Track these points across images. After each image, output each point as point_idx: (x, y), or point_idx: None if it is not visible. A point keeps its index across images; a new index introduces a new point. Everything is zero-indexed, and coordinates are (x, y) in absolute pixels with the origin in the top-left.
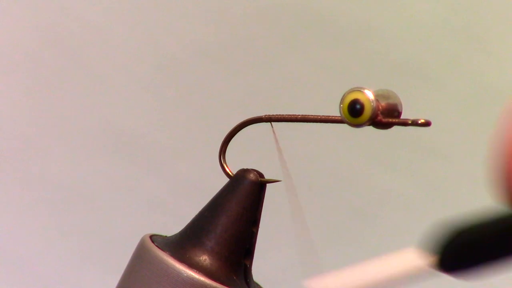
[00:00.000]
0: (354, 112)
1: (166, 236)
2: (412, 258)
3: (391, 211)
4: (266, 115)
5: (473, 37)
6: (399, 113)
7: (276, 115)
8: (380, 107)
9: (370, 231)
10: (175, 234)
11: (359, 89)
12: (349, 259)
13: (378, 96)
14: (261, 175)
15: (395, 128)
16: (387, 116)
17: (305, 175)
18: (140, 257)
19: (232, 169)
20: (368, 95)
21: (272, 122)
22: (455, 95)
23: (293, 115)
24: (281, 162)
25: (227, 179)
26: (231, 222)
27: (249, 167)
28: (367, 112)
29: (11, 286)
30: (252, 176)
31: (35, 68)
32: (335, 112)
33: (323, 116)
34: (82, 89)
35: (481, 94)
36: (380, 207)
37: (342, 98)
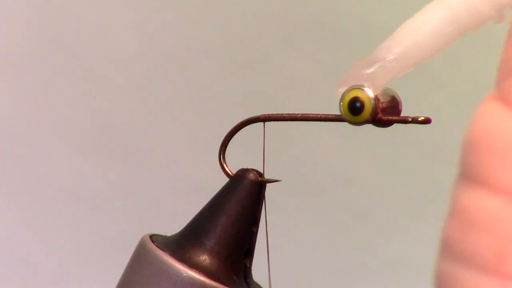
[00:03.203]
0: (354, 110)
1: (166, 236)
2: None
3: (391, 211)
4: (265, 114)
5: (473, 37)
6: (399, 111)
7: (276, 114)
8: (380, 105)
9: (370, 231)
10: (175, 234)
11: (359, 87)
12: (349, 259)
13: (378, 94)
14: (260, 174)
15: (395, 128)
16: (387, 114)
17: (305, 175)
18: (140, 257)
19: (232, 169)
20: (368, 93)
21: (264, 122)
22: (455, 95)
23: (292, 114)
24: (263, 163)
25: (227, 179)
26: (231, 222)
27: (249, 167)
28: (367, 110)
29: (11, 286)
30: (251, 175)
31: (35, 68)
32: (335, 111)
33: (323, 114)
34: (82, 89)
35: (482, 93)
36: (380, 207)
37: (342, 96)
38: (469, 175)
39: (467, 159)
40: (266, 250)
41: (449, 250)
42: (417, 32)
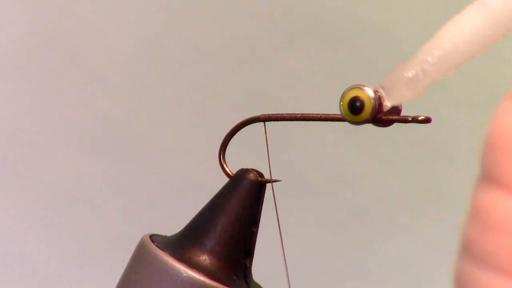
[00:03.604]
0: (354, 109)
1: (166, 236)
2: None
3: (391, 211)
4: (265, 114)
5: None
6: (399, 111)
7: (276, 114)
8: (382, 105)
9: (370, 231)
10: (175, 234)
11: (359, 86)
12: (349, 259)
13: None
14: (261, 174)
15: (395, 128)
16: (387, 114)
17: (305, 175)
18: (140, 257)
19: (232, 169)
20: (368, 92)
21: (265, 122)
22: (455, 95)
23: (292, 113)
24: (269, 164)
25: (227, 179)
26: (231, 222)
27: (249, 167)
28: (367, 110)
29: (11, 286)
30: (252, 175)
31: (35, 68)
32: (335, 111)
33: (323, 114)
34: (82, 89)
35: (481, 94)
36: (380, 207)
37: (342, 96)
38: (488, 175)
39: (486, 160)
40: (280, 250)
41: (467, 250)
42: (457, 34)
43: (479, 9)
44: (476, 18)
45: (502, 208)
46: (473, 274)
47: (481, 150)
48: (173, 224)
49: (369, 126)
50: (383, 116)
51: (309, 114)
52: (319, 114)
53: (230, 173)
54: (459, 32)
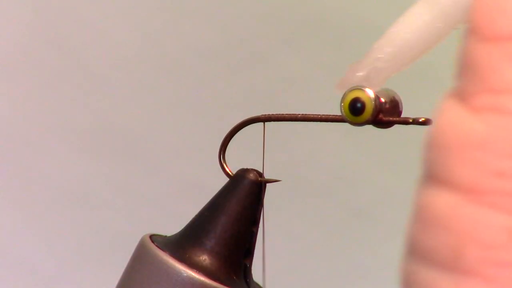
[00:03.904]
0: (355, 110)
1: (166, 236)
2: None
3: (391, 211)
4: (265, 114)
5: None
6: (400, 112)
7: (276, 114)
8: (384, 106)
9: (370, 231)
10: (175, 234)
11: (360, 88)
12: (349, 259)
13: (378, 95)
14: (260, 174)
15: (395, 128)
16: (387, 115)
17: (305, 175)
18: (140, 257)
19: (232, 169)
20: (369, 94)
21: (264, 123)
22: None
23: (293, 114)
24: (263, 164)
25: (227, 179)
26: (231, 222)
27: (249, 167)
28: (368, 111)
29: (11, 286)
30: (251, 175)
31: (35, 68)
32: (336, 112)
33: (323, 115)
34: (82, 89)
35: None
36: (380, 207)
37: (343, 97)
38: (429, 173)
39: (427, 158)
40: (263, 250)
41: (411, 249)
42: (408, 30)
43: (427, 3)
44: (424, 12)
45: (442, 204)
46: (417, 272)
47: (422, 149)
48: (173, 224)
49: (370, 127)
50: (383, 118)
51: (309, 114)
52: (319, 115)
53: (230, 173)
54: (409, 27)
